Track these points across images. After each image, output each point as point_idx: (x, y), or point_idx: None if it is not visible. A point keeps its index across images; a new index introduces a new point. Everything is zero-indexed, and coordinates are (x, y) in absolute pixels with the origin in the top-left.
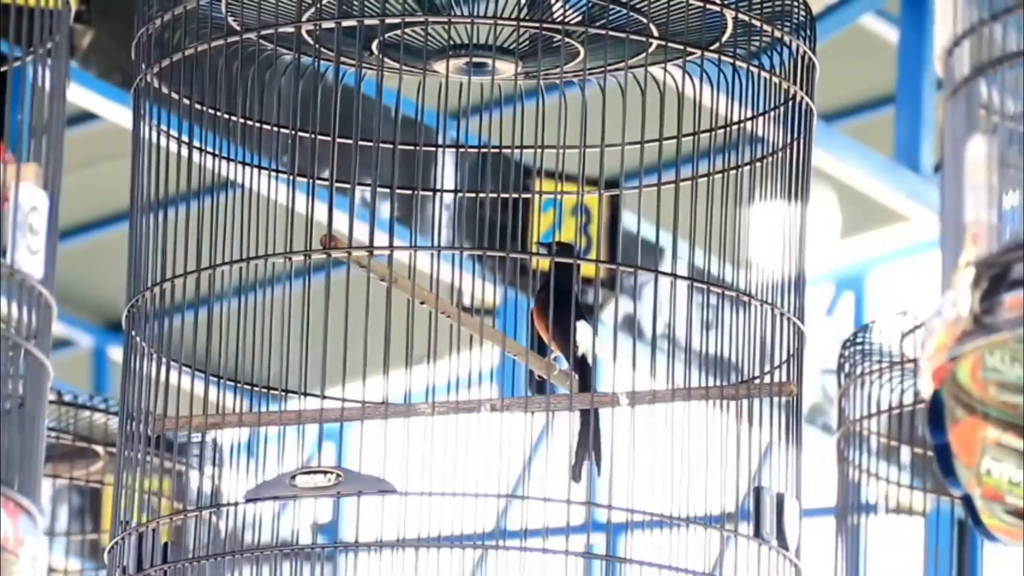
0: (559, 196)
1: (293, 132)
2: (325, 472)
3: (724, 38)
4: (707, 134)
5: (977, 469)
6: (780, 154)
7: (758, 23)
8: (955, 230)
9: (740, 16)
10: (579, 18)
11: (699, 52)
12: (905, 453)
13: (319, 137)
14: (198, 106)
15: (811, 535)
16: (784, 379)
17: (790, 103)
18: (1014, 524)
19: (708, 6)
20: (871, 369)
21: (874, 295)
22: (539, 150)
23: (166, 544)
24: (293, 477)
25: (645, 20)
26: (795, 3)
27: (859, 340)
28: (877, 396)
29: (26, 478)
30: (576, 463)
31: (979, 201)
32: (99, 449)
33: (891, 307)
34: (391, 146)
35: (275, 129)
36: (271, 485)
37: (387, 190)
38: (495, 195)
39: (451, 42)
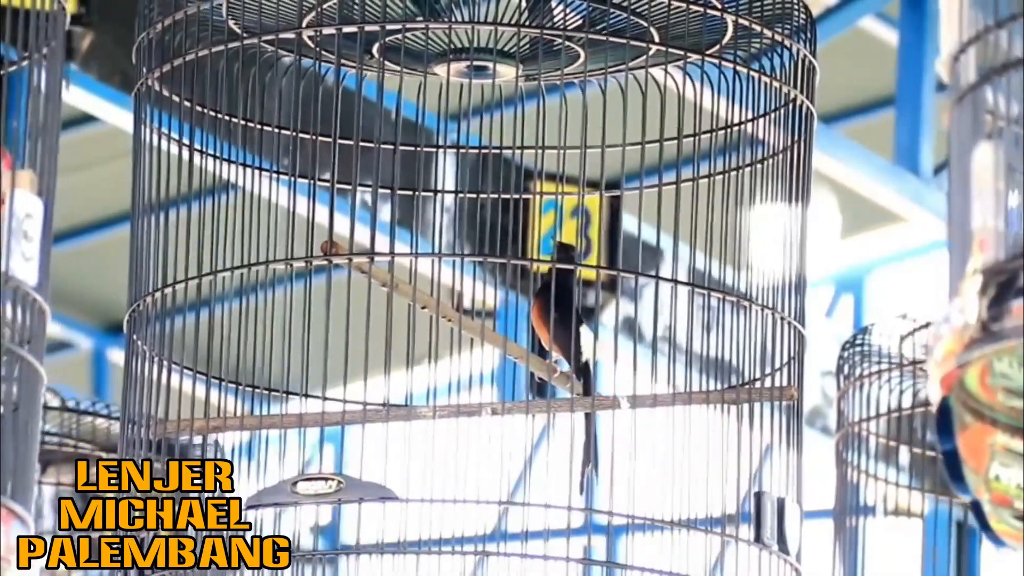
0: (559, 197)
1: (294, 134)
2: (326, 479)
3: (724, 41)
4: (707, 135)
5: (986, 475)
6: (780, 156)
7: (758, 27)
8: (962, 237)
9: (740, 21)
10: (579, 22)
11: (699, 56)
12: (904, 455)
13: (320, 139)
14: (199, 108)
15: (810, 537)
16: (785, 383)
17: (790, 106)
18: (1021, 528)
19: (708, 11)
20: (870, 371)
21: (873, 297)
22: (539, 151)
23: None
24: (294, 484)
25: (645, 24)
26: (795, 6)
27: (858, 342)
28: (876, 398)
29: (19, 484)
30: (581, 474)
31: (986, 208)
32: (101, 455)
33: (890, 309)
34: (392, 148)
35: (276, 131)
36: (272, 492)
37: (388, 191)
38: (495, 196)
39: (451, 46)
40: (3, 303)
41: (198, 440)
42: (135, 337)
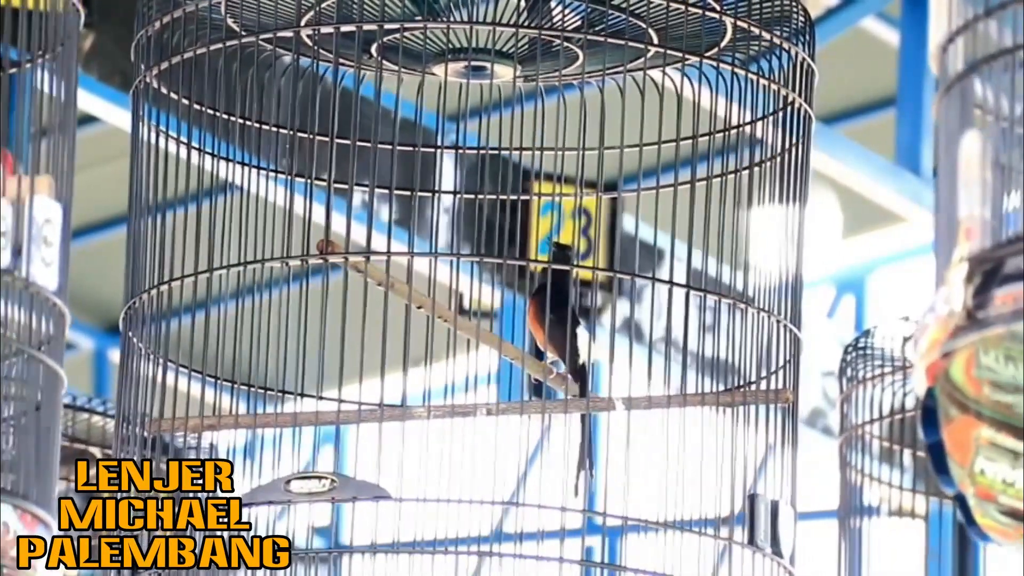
0: (558, 198)
1: (292, 133)
2: (320, 477)
3: (723, 43)
4: (705, 137)
5: (970, 468)
6: (778, 159)
7: (757, 29)
8: (949, 226)
9: (739, 23)
10: (578, 22)
11: (697, 58)
12: (907, 457)
13: (318, 138)
14: (197, 107)
15: (813, 537)
16: (781, 385)
17: (788, 108)
18: (1007, 524)
19: (707, 13)
20: (873, 374)
21: (875, 297)
22: (538, 152)
23: None
24: (288, 482)
25: (644, 25)
26: (794, 8)
27: (861, 345)
28: (879, 401)
29: (42, 488)
30: (576, 477)
31: (972, 197)
32: (96, 451)
33: (892, 310)
34: (390, 147)
35: (274, 130)
36: (266, 490)
37: (386, 191)
38: (494, 197)
39: (450, 46)
40: (5, 304)
41: (192, 440)
42: (131, 335)
